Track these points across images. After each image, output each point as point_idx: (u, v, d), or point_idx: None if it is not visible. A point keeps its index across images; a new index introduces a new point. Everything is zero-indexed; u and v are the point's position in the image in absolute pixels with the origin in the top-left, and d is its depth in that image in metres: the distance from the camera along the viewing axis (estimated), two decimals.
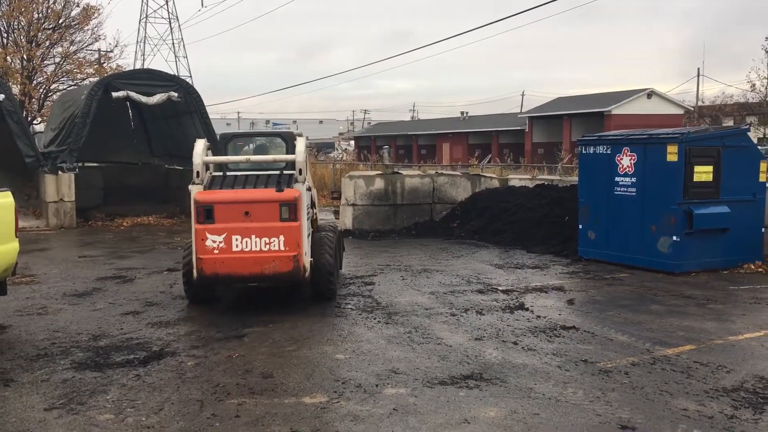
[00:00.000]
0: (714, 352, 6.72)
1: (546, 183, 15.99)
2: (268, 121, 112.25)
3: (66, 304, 8.87)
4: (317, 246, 8.83)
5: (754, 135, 37.83)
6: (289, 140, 9.39)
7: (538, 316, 8.13)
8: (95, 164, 23.16)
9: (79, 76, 32.19)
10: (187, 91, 19.45)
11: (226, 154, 9.25)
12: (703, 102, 54.69)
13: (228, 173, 8.78)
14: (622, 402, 5.38)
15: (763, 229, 11.32)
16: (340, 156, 57.17)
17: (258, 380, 5.88)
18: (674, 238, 10.63)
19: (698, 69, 58.79)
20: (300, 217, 8.12)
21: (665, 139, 10.86)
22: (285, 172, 8.56)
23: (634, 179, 11.21)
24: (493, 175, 19.24)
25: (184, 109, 19.92)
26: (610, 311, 8.42)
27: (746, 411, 5.20)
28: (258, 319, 8.00)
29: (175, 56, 74.30)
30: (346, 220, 16.09)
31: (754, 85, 45.87)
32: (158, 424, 4.95)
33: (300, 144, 8.68)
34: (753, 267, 11.06)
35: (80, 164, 20.35)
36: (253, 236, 8.02)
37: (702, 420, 5.03)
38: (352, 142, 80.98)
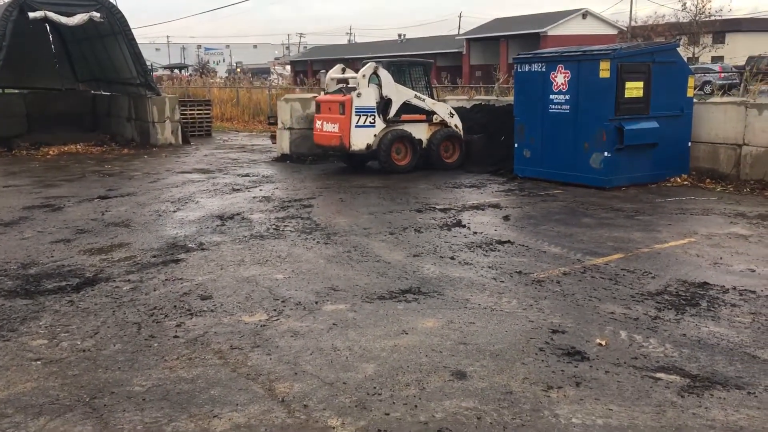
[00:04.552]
0: (640, 259, 7.01)
1: (483, 103, 16.02)
2: (199, 46, 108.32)
3: None
4: (383, 138, 13.10)
5: (683, 53, 38.57)
6: (427, 65, 14.41)
7: (475, 233, 8.28)
8: (16, 91, 22.03)
9: None
10: (110, 12, 18.45)
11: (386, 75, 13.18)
12: (636, 22, 55.33)
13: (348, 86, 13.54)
14: (553, 309, 5.59)
15: (689, 143, 11.69)
16: (276, 80, 55.77)
17: (196, 302, 5.84)
18: (606, 153, 10.89)
19: None
20: (347, 113, 12.86)
21: (598, 55, 10.96)
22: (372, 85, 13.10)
23: (568, 96, 11.33)
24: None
25: (108, 30, 18.95)
26: (544, 225, 8.64)
27: (669, 312, 5.48)
28: (195, 242, 7.89)
29: None
30: (283, 144, 15.84)
31: (685, 4, 46.61)
32: (94, 347, 4.89)
33: (361, 71, 13.10)
34: (679, 180, 11.48)
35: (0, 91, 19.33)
36: (328, 122, 13.30)
37: (628, 322, 5.28)
38: (288, 67, 79.07)
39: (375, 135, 13.05)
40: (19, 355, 4.78)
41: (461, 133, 13.97)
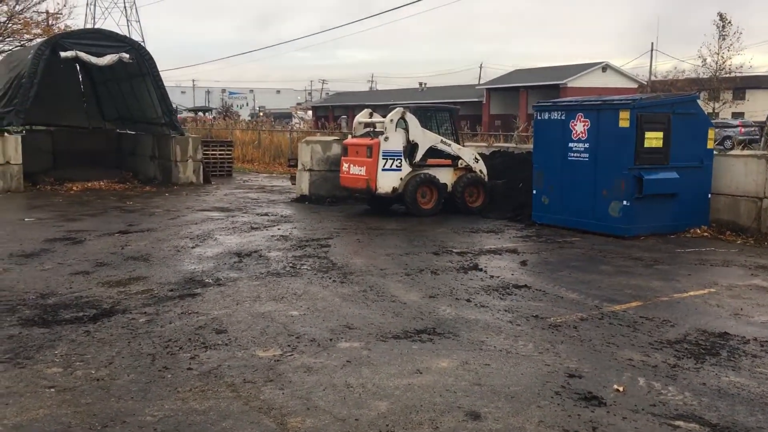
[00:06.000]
0: (659, 308, 6.93)
1: (502, 150, 16.11)
2: (224, 90, 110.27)
3: (13, 264, 8.64)
4: (409, 182, 13.30)
5: (703, 109, 38.58)
6: (453, 111, 14.73)
7: (492, 276, 8.25)
8: (44, 128, 22.51)
9: (26, 36, 31.09)
10: (139, 53, 18.94)
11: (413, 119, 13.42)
12: (655, 76, 55.60)
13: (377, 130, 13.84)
14: (570, 353, 5.52)
15: (709, 195, 11.63)
16: (298, 125, 56.56)
17: (211, 335, 5.84)
18: (625, 202, 10.86)
19: (652, 44, 59.90)
20: (374, 156, 13.06)
21: (618, 105, 11.03)
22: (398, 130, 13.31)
23: (587, 145, 11.37)
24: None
25: (137, 71, 19.41)
26: (562, 271, 8.59)
27: (688, 361, 5.39)
28: (212, 277, 7.93)
29: (127, 20, 72.43)
30: (303, 185, 15.97)
31: (705, 60, 46.79)
32: (108, 377, 4.89)
33: (389, 116, 13.30)
34: (699, 231, 11.39)
35: (28, 127, 19.75)
36: (356, 165, 13.53)
37: (646, 369, 5.19)
38: (310, 112, 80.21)
39: (401, 178, 13.26)
40: (34, 382, 4.79)
41: (486, 178, 14.07)
